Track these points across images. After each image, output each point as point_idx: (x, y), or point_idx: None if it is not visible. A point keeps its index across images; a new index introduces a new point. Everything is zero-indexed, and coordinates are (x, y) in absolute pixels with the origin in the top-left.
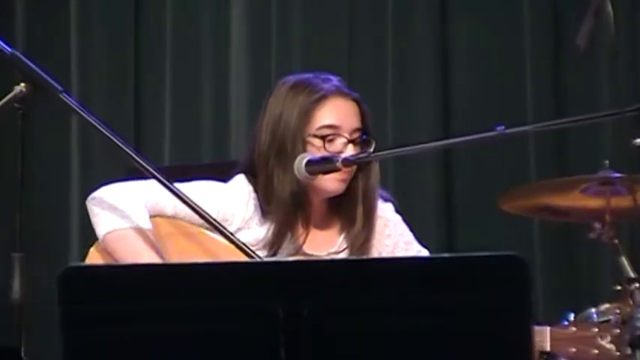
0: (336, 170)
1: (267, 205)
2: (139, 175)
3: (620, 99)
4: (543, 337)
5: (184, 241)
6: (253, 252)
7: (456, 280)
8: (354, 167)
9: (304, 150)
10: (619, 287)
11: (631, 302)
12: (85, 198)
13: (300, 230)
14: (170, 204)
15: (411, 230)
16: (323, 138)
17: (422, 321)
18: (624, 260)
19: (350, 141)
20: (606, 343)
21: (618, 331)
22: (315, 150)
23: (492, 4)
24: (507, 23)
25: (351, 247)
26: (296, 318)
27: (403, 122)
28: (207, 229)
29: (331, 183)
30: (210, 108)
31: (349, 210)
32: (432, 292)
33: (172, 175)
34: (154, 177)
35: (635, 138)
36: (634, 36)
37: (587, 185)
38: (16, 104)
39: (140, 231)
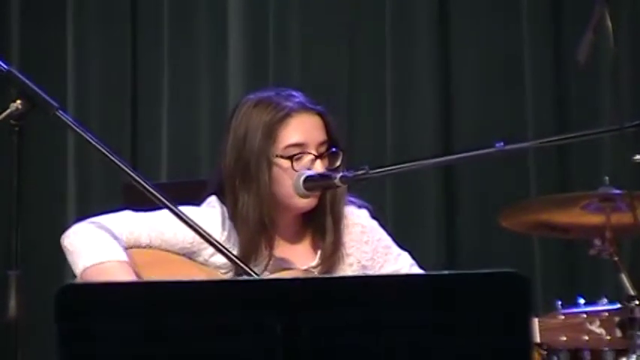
0: (334, 187)
1: (235, 225)
2: (134, 192)
3: (620, 115)
4: (532, 329)
5: (163, 269)
6: (249, 267)
7: (456, 298)
8: None
9: (269, 171)
10: (619, 305)
11: None
12: (82, 215)
13: (264, 252)
14: (145, 233)
15: (407, 249)
16: (290, 158)
17: (421, 338)
18: (625, 277)
19: (317, 156)
20: (596, 327)
21: (607, 314)
22: (282, 171)
23: (492, 18)
24: (507, 38)
25: (322, 258)
26: (295, 334)
27: (403, 138)
28: (184, 255)
29: (302, 201)
30: (208, 125)
31: (319, 222)
32: (431, 309)
33: (169, 192)
34: (151, 194)
35: (635, 154)
36: (635, 50)
37: (587, 202)
38: (12, 121)
39: (117, 264)
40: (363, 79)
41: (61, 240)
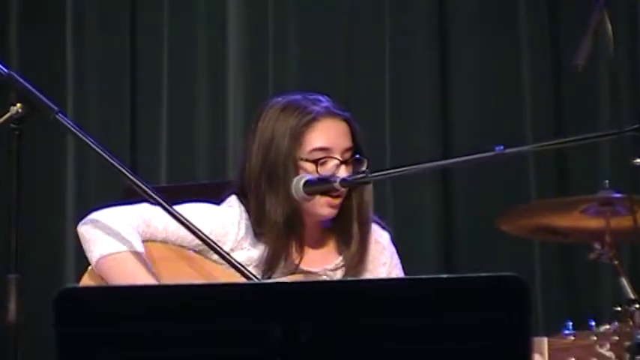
0: (334, 191)
1: (259, 227)
2: (134, 195)
3: (620, 118)
4: (541, 347)
5: (176, 265)
6: (249, 272)
7: (455, 301)
8: (346, 189)
9: (297, 173)
10: (619, 308)
11: (631, 323)
12: (81, 218)
13: (295, 253)
14: (161, 227)
15: (406, 253)
16: (315, 162)
17: (421, 342)
18: (624, 281)
19: (342, 162)
20: (605, 351)
21: (617, 338)
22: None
23: (490, 24)
24: (506, 42)
25: (348, 266)
26: (294, 340)
27: (402, 142)
28: (198, 252)
29: (323, 209)
30: (207, 128)
31: (345, 228)
32: (431, 313)
33: (168, 195)
34: (150, 197)
35: (634, 158)
36: (633, 54)
37: (587, 206)
38: (12, 125)
39: (134, 255)
40: (362, 83)
41: (78, 227)
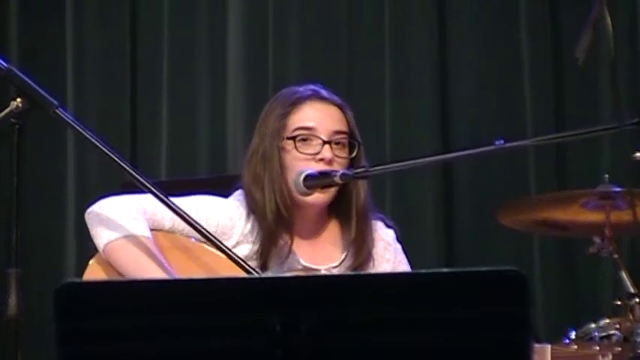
0: (334, 185)
1: (254, 214)
2: (134, 189)
3: (619, 112)
4: (544, 355)
5: (182, 255)
6: (249, 266)
7: (455, 295)
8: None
9: (279, 155)
10: (619, 302)
11: (631, 317)
12: (81, 213)
13: (283, 245)
14: (168, 216)
15: (406, 247)
16: (294, 138)
17: (421, 336)
18: (624, 275)
19: (327, 142)
20: None
21: (620, 349)
22: (290, 157)
23: (490, 17)
24: (506, 36)
25: (350, 256)
26: (294, 333)
27: (402, 136)
28: (205, 242)
29: (312, 197)
30: (207, 123)
31: (344, 221)
32: (431, 307)
33: (168, 190)
34: (150, 191)
35: (634, 152)
36: (633, 48)
37: (586, 199)
38: (12, 119)
39: (141, 240)
40: (362, 79)
41: (86, 214)
